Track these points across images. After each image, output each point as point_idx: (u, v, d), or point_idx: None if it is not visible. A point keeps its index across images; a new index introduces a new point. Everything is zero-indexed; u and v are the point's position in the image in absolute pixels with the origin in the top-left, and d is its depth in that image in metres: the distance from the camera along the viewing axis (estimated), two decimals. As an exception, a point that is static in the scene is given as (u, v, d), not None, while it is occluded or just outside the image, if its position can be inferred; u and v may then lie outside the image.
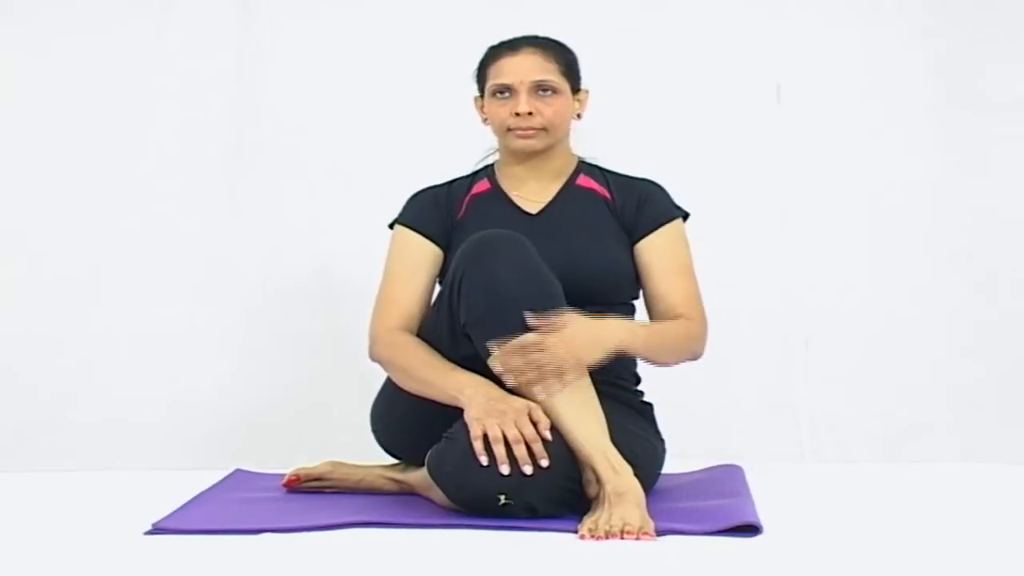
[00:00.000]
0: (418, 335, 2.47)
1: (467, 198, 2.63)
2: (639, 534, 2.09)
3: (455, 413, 2.30)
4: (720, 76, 3.38)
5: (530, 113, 2.52)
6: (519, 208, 2.60)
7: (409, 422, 2.46)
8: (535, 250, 2.35)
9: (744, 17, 3.39)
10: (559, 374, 2.25)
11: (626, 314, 2.53)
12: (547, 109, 2.53)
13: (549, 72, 2.54)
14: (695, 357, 2.54)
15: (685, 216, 2.64)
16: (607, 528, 2.10)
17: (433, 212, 2.62)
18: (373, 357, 2.50)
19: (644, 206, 2.59)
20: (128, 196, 3.37)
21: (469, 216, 2.60)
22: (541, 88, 2.53)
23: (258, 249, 3.38)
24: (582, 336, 2.29)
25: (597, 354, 2.31)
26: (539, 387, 2.25)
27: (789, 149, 3.37)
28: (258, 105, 3.41)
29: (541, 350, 2.25)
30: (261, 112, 3.41)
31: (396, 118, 3.38)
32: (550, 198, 2.60)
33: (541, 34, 2.63)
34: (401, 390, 2.45)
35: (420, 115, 3.33)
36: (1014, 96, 3.33)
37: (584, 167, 2.65)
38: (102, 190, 3.37)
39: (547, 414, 2.25)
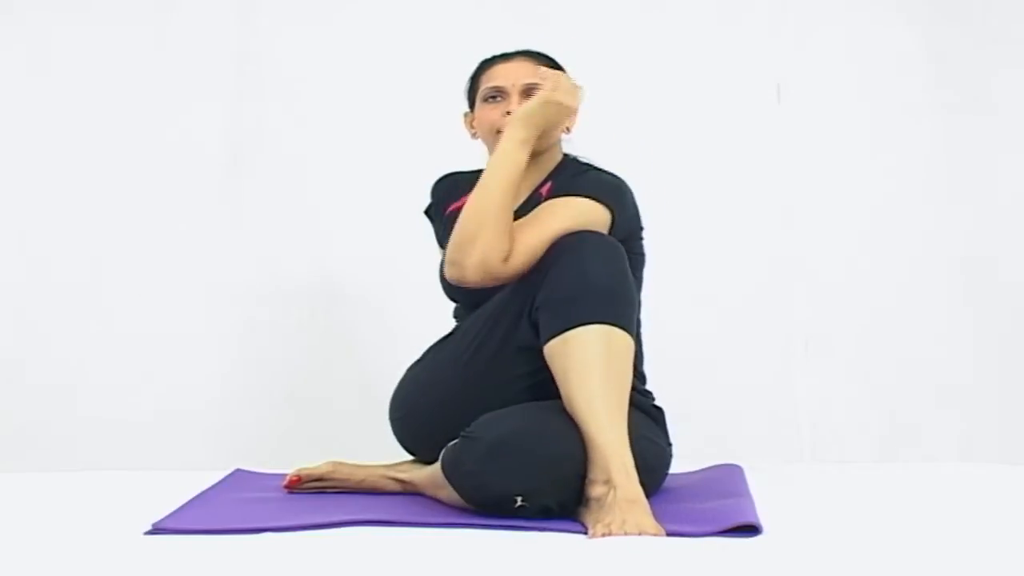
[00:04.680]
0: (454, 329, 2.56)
1: (464, 200, 2.65)
2: None
3: (477, 410, 2.32)
4: (720, 76, 3.38)
5: None
6: None
7: (430, 414, 2.47)
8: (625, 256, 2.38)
9: (744, 17, 3.39)
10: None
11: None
12: None
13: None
14: (459, 266, 2.40)
15: (611, 210, 2.47)
16: (623, 532, 2.10)
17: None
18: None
19: (557, 189, 2.51)
20: (128, 198, 3.37)
21: (453, 218, 2.63)
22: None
23: (258, 250, 3.38)
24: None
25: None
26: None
27: (789, 149, 3.37)
28: (257, 108, 3.41)
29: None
30: (260, 115, 3.41)
31: (395, 121, 3.38)
32: (517, 206, 2.61)
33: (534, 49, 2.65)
34: (425, 379, 2.50)
35: (419, 118, 3.33)
36: (1015, 96, 3.33)
37: (556, 171, 2.60)
38: (102, 192, 3.37)
39: (575, 414, 2.27)
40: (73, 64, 3.39)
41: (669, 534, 2.12)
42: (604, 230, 2.44)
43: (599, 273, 2.32)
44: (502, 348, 2.40)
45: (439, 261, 2.68)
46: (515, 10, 3.35)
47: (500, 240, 2.38)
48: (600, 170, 2.59)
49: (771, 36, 3.40)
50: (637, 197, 2.62)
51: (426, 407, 2.51)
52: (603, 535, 2.11)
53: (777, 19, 3.40)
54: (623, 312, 2.34)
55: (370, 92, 3.40)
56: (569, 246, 2.36)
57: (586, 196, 2.45)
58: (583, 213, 2.44)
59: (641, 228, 2.59)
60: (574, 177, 2.54)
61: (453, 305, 2.68)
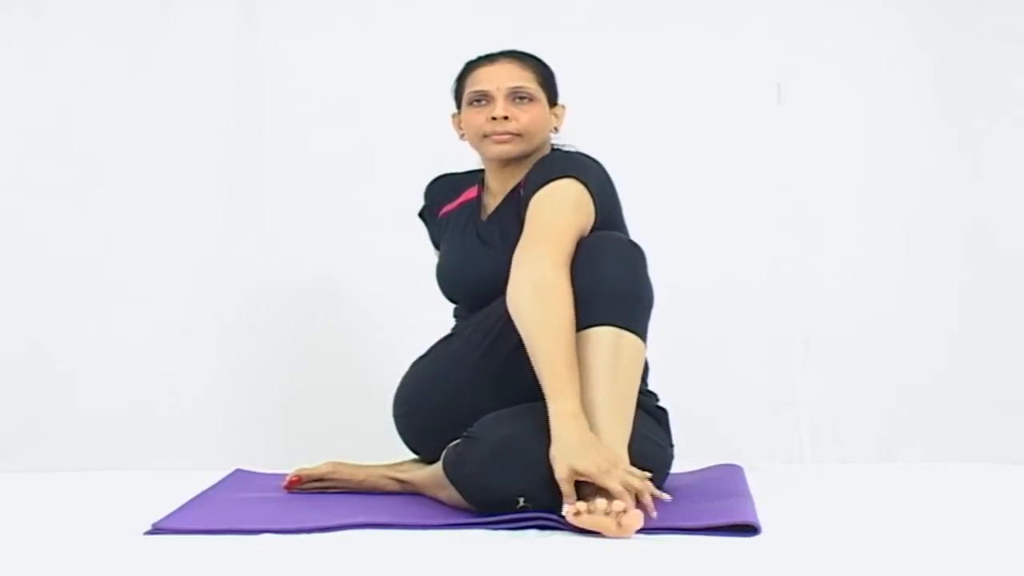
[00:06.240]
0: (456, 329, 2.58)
1: (458, 202, 2.67)
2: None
3: (485, 408, 2.32)
4: (720, 76, 3.38)
5: (506, 117, 2.52)
6: (480, 220, 2.62)
7: (436, 411, 2.47)
8: (645, 258, 2.38)
9: (744, 17, 3.39)
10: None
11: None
12: (523, 115, 2.54)
13: (526, 80, 2.56)
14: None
15: (586, 184, 2.44)
16: (591, 511, 2.10)
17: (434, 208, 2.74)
18: None
19: (530, 181, 2.48)
20: (127, 198, 3.37)
21: (448, 220, 2.68)
22: (518, 95, 2.54)
23: (258, 249, 3.38)
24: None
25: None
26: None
27: (790, 150, 3.37)
28: (257, 109, 3.40)
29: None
30: (260, 116, 3.40)
31: (393, 122, 3.38)
32: (500, 200, 2.61)
33: (519, 49, 2.64)
34: (431, 376, 2.51)
35: (417, 120, 3.32)
36: (1015, 95, 3.33)
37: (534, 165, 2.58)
38: (101, 192, 3.36)
39: (585, 407, 2.25)
40: (73, 65, 3.38)
41: (668, 532, 2.12)
42: (590, 202, 2.43)
43: (613, 275, 2.32)
44: (519, 347, 2.40)
45: (436, 263, 2.69)
46: (514, 12, 3.35)
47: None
48: (571, 152, 2.58)
49: (771, 36, 3.39)
50: (637, 197, 2.62)
51: (432, 404, 2.51)
52: (575, 515, 2.11)
53: (777, 19, 3.39)
54: (635, 315, 2.33)
55: (369, 93, 3.40)
56: (586, 247, 2.36)
57: (557, 178, 2.43)
58: (571, 195, 2.42)
59: (619, 209, 2.54)
60: (545, 165, 2.52)
61: (452, 305, 2.68)
